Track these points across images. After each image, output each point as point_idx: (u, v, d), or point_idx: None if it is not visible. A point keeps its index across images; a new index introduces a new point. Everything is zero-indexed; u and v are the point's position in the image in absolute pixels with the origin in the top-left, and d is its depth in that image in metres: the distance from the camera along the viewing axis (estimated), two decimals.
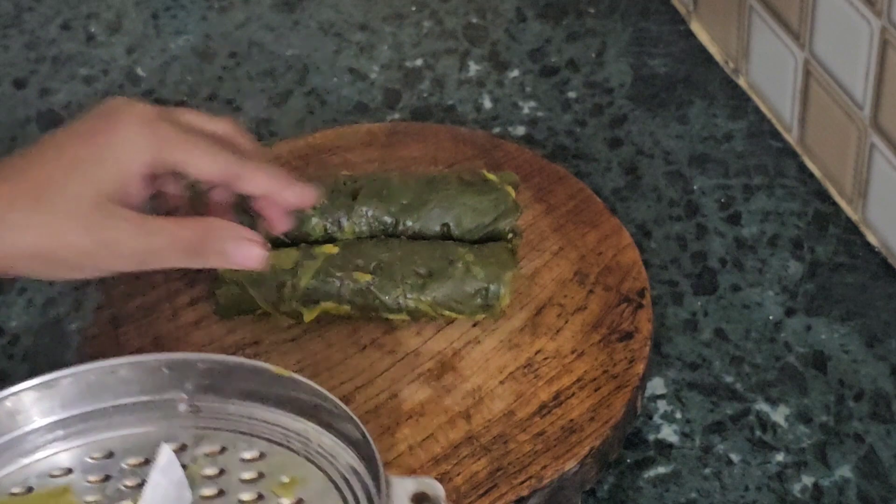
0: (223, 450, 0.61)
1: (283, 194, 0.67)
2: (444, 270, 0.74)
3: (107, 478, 0.61)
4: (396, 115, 0.98)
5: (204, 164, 0.64)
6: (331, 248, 0.75)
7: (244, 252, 0.64)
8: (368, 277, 0.74)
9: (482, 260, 0.75)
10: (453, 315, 0.75)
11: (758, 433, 0.76)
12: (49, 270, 0.64)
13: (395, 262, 0.74)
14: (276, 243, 0.78)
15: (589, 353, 0.75)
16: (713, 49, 1.00)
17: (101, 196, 0.62)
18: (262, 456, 0.61)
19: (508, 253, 0.76)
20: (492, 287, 0.74)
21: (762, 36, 0.92)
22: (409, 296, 0.74)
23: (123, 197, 0.63)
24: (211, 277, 0.78)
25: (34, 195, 0.62)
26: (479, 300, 0.74)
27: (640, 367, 0.74)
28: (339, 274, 0.74)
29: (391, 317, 0.75)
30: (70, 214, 0.62)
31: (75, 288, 0.86)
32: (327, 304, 0.74)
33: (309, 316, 0.75)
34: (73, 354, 0.82)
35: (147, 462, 0.61)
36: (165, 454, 0.59)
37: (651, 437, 0.76)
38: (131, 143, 0.62)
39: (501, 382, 0.74)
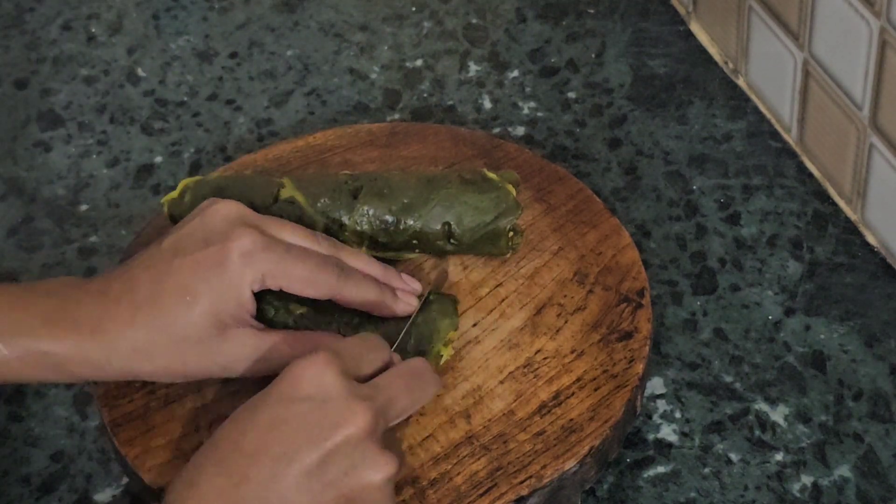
0: None
1: (378, 312, 0.73)
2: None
3: None
4: (396, 116, 0.98)
5: (304, 289, 0.70)
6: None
7: None
8: (303, 310, 0.73)
9: (426, 312, 0.73)
10: None
11: (757, 433, 0.76)
12: (174, 380, 0.71)
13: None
14: None
15: (588, 352, 0.75)
16: (713, 49, 1.00)
17: (222, 324, 0.69)
18: None
19: (452, 309, 0.74)
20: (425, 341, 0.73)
21: (761, 36, 0.92)
22: (343, 333, 0.72)
23: (240, 318, 0.69)
24: None
25: (170, 330, 0.68)
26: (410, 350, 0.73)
27: (639, 367, 0.74)
28: (275, 303, 0.73)
29: None
30: (199, 345, 0.68)
31: None
32: None
33: None
34: None
35: None
36: None
37: (651, 437, 0.76)
38: (238, 278, 0.68)
39: (501, 382, 0.74)
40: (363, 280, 0.72)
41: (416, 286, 0.75)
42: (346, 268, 0.72)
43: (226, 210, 0.71)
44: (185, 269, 0.68)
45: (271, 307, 0.72)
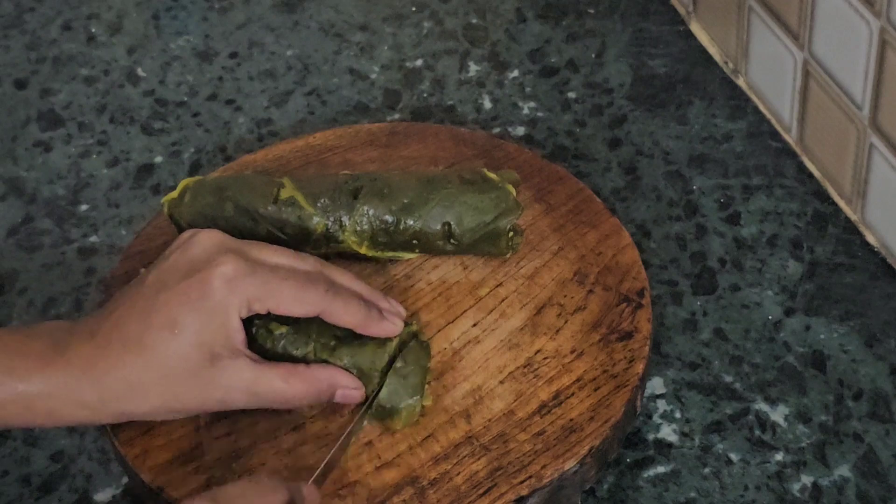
0: None
1: (365, 330, 0.72)
2: (359, 338, 0.72)
3: None
4: (396, 116, 0.98)
5: (292, 308, 0.69)
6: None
7: (345, 399, 0.72)
8: (283, 329, 0.72)
9: (396, 371, 0.72)
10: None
11: (757, 433, 0.76)
12: (167, 417, 0.70)
13: (314, 321, 0.72)
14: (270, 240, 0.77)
15: (589, 352, 0.75)
16: (713, 49, 1.00)
17: (214, 354, 0.68)
18: None
19: (421, 377, 0.72)
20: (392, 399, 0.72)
21: (761, 36, 0.92)
22: (319, 355, 0.72)
23: (232, 347, 0.68)
24: None
25: (160, 364, 0.67)
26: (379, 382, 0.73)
27: (639, 367, 0.74)
28: (256, 321, 0.72)
29: None
30: (193, 378, 0.68)
31: (75, 288, 0.87)
32: None
33: None
34: None
35: None
36: None
37: (650, 437, 0.76)
38: (224, 305, 0.68)
39: (501, 382, 0.74)
40: (351, 297, 0.71)
41: (401, 309, 0.74)
42: (335, 284, 0.71)
43: (206, 239, 0.70)
44: (170, 302, 0.67)
45: (252, 325, 0.72)
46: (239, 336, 0.69)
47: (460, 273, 0.79)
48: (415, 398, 0.71)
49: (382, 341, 0.72)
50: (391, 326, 0.72)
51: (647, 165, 0.93)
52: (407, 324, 0.74)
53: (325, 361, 0.72)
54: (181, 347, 0.67)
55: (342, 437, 0.70)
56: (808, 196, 0.90)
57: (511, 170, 0.82)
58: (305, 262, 0.72)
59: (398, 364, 0.71)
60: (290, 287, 0.69)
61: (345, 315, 0.70)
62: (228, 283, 0.68)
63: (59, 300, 0.86)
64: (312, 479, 0.66)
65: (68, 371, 0.66)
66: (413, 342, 0.73)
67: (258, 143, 0.97)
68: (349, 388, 0.71)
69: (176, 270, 0.69)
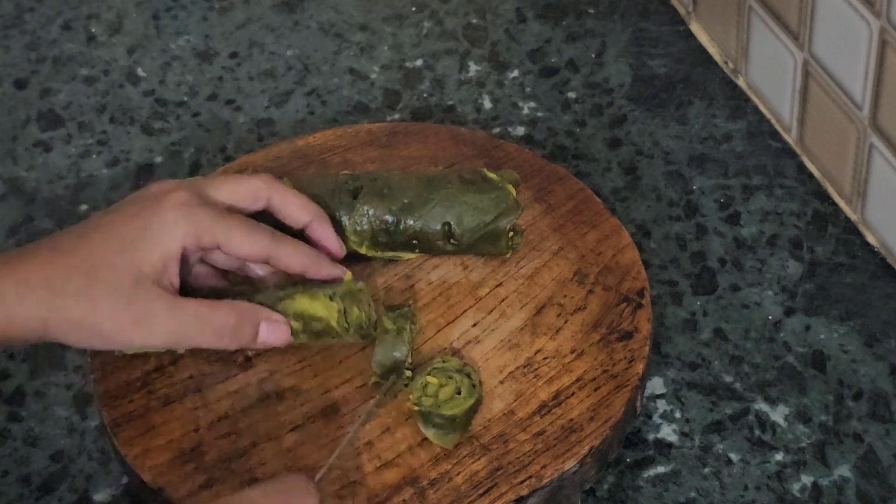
0: None
1: (314, 272, 0.73)
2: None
3: None
4: (396, 116, 0.98)
5: (241, 247, 0.70)
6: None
7: (272, 334, 0.71)
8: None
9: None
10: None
11: (757, 433, 0.76)
12: (85, 340, 0.67)
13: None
14: None
15: (588, 352, 0.75)
16: (712, 49, 1.00)
17: (142, 275, 0.66)
18: None
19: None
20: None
21: (762, 36, 0.92)
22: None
23: (161, 277, 0.67)
24: None
25: (87, 271, 0.66)
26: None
27: (639, 367, 0.74)
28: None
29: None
30: (114, 290, 0.66)
31: None
32: None
33: None
34: (73, 354, 0.82)
35: None
36: None
37: (651, 437, 0.76)
38: (171, 227, 0.67)
39: (501, 382, 0.74)
40: (298, 242, 0.72)
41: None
42: (279, 232, 0.72)
43: (161, 181, 0.71)
44: (116, 219, 0.67)
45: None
46: (173, 268, 0.68)
47: (460, 273, 0.80)
48: (459, 434, 0.71)
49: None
50: (339, 270, 0.73)
51: (647, 165, 0.93)
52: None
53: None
54: (112, 257, 0.66)
55: (350, 433, 0.70)
56: (808, 196, 0.90)
57: (511, 170, 0.82)
58: (253, 183, 0.73)
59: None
60: (240, 226, 0.70)
61: (294, 257, 0.71)
62: (179, 207, 0.68)
63: None
64: (318, 477, 0.66)
65: None
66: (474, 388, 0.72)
67: (258, 143, 0.97)
68: (272, 320, 0.71)
69: (129, 201, 0.69)
